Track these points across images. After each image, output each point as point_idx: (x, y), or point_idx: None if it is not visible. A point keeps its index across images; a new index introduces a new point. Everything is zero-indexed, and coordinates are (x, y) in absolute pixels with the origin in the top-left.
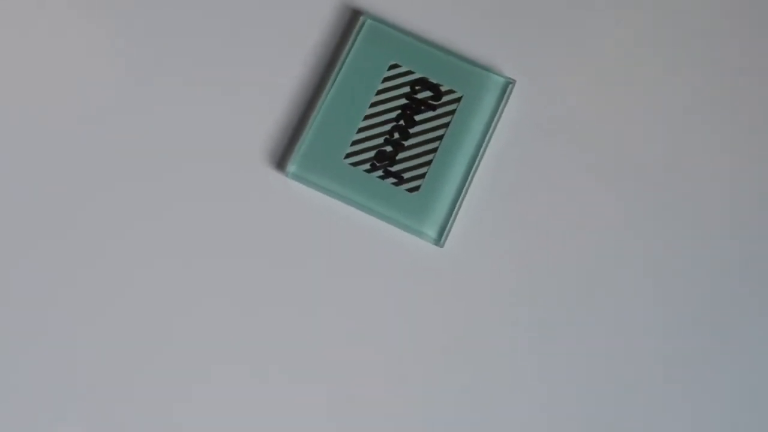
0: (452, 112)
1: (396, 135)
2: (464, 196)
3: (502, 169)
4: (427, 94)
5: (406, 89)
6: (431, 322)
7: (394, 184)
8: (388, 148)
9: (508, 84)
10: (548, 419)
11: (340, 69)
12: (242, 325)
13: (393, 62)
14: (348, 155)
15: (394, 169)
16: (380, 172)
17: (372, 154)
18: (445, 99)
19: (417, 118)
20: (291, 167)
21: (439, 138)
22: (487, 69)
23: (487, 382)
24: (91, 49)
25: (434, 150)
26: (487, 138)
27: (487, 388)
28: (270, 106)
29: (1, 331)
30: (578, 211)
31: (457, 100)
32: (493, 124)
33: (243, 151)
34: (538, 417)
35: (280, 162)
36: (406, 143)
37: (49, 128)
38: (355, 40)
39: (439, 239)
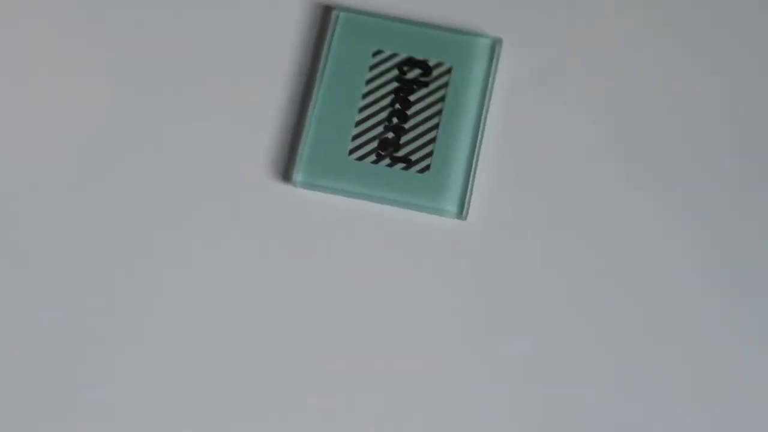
0: (445, 85)
1: (395, 120)
2: (476, 165)
3: (507, 130)
4: (417, 72)
5: (395, 72)
6: (472, 296)
7: (403, 168)
8: (390, 135)
9: (495, 44)
10: (596, 386)
11: (324, 67)
12: (295, 335)
13: (375, 49)
14: (351, 151)
15: (400, 154)
16: (387, 161)
17: (375, 144)
18: (435, 73)
19: (411, 98)
20: (297, 176)
21: (438, 113)
22: (471, 33)
23: (537, 354)
24: (71, 87)
25: (436, 126)
26: (485, 102)
27: (538, 360)
28: (261, 120)
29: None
30: (590, 159)
31: (448, 71)
32: (489, 87)
33: (245, 170)
34: (587, 383)
35: (285, 173)
36: (407, 125)
37: (34, 154)
38: (332, 35)
39: (461, 212)
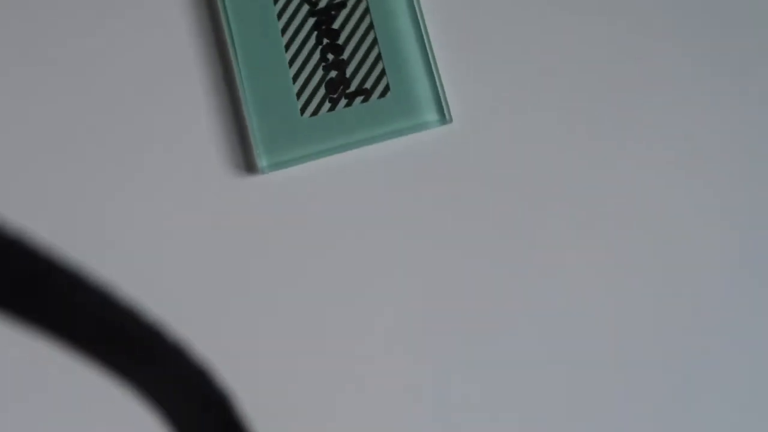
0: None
1: (330, 56)
2: (434, 62)
3: (452, 20)
4: None
5: (305, 7)
6: (492, 199)
7: (363, 101)
8: (333, 74)
9: None
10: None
11: (231, 39)
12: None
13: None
14: (302, 110)
15: (353, 88)
16: (344, 101)
17: (322, 91)
18: None
19: (335, 25)
20: (261, 162)
21: (370, 27)
22: None
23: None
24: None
25: (374, 42)
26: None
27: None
28: (194, 121)
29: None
30: (557, 34)
31: None
32: None
33: (206, 178)
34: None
35: (248, 164)
36: (345, 56)
37: None
38: (223, 1)
39: (444, 117)
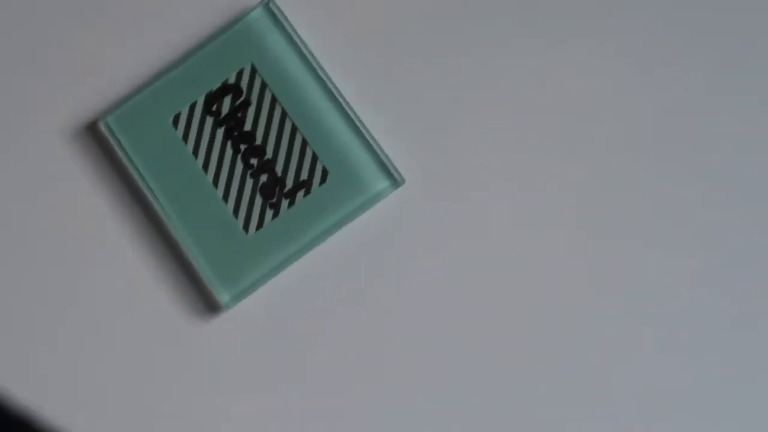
0: (264, 85)
1: (253, 161)
2: (368, 133)
3: (361, 76)
4: (228, 99)
5: (209, 120)
6: (466, 238)
7: (306, 195)
8: (264, 177)
9: (267, 4)
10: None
11: (144, 181)
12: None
13: (170, 118)
14: (246, 227)
15: (290, 185)
16: (285, 201)
17: (259, 199)
18: (244, 84)
19: (247, 127)
20: (223, 299)
21: (285, 116)
22: (234, 21)
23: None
24: None
25: (294, 130)
26: (317, 67)
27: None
28: (139, 282)
29: None
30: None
31: (253, 71)
32: (306, 50)
33: (170, 333)
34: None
35: (209, 306)
36: (269, 155)
37: None
38: (120, 145)
39: (395, 180)
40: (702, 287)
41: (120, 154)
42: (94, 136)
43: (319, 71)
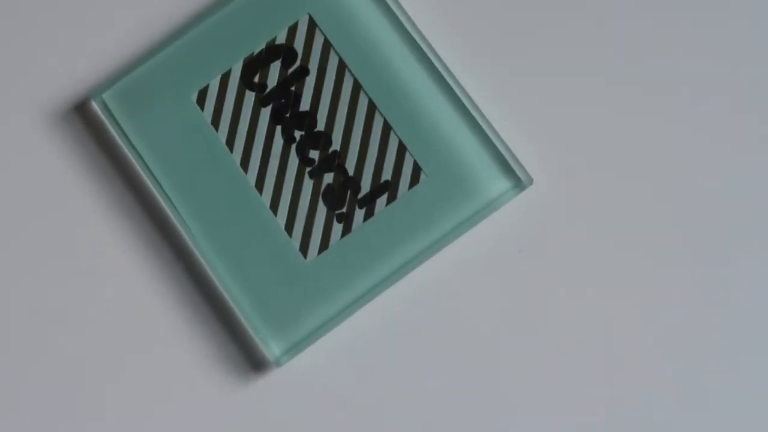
0: (328, 46)
1: (313, 153)
2: (481, 115)
3: (456, 38)
4: (274, 69)
5: (250, 96)
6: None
7: (390, 201)
8: (328, 177)
9: None
10: None
11: (150, 175)
12: None
13: (194, 93)
14: (303, 250)
15: (367, 188)
16: (360, 212)
17: (322, 209)
18: (298, 45)
19: (305, 106)
20: (273, 352)
21: (358, 89)
22: None
23: None
24: None
25: (372, 108)
26: (401, 17)
27: None
28: (173, 337)
29: None
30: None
31: (312, 26)
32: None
33: (205, 398)
34: None
35: (253, 360)
36: (337, 146)
37: None
38: (121, 130)
39: (519, 180)
40: None
41: (122, 144)
42: (85, 120)
43: (411, 30)
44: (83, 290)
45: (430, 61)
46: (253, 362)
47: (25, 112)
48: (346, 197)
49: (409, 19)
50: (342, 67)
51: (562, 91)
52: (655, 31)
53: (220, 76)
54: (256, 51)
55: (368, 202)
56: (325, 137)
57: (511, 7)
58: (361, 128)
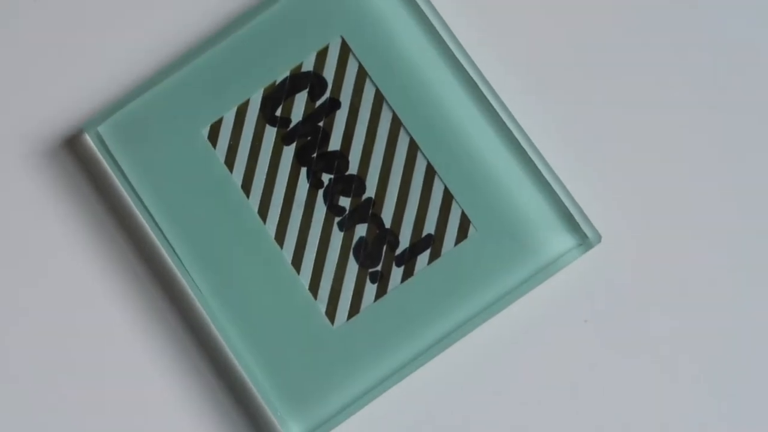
0: (364, 74)
1: (344, 202)
2: (545, 163)
3: (516, 80)
4: (299, 101)
5: (270, 132)
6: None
7: (432, 258)
8: (362, 229)
9: None
10: None
11: (152, 220)
12: None
13: (205, 128)
14: (330, 314)
15: (406, 244)
16: (398, 270)
17: (353, 266)
18: (325, 72)
19: (333, 145)
20: (293, 429)
21: (398, 125)
22: None
23: None
24: None
25: (414, 147)
26: (453, 48)
27: None
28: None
29: None
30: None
31: (344, 50)
32: (432, 17)
33: None
34: None
35: (283, 426)
36: (372, 192)
37: None
38: (118, 168)
39: (586, 237)
40: None
41: (120, 186)
42: (77, 156)
43: (462, 59)
44: (67, 358)
45: (483, 95)
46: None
47: (7, 146)
48: (382, 253)
49: (459, 46)
50: (379, 99)
51: (634, 136)
52: (734, 90)
53: (236, 108)
54: (279, 79)
55: (407, 260)
56: (358, 182)
57: (577, 48)
58: (401, 172)
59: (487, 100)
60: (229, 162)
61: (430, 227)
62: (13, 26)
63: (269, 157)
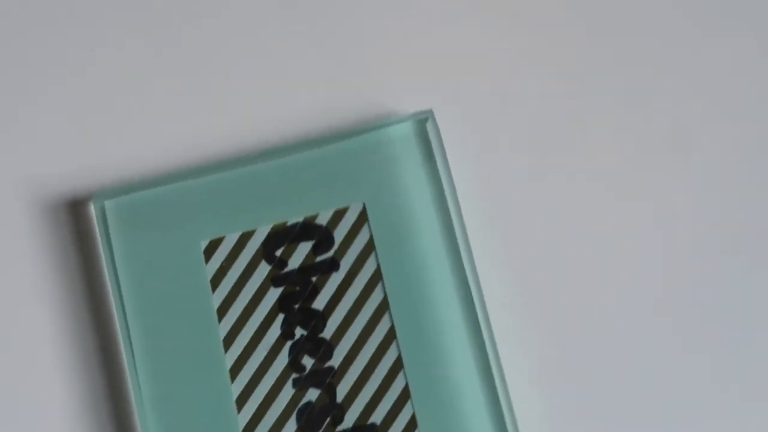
0: (370, 247)
1: (306, 362)
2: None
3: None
4: (302, 250)
5: (262, 270)
6: None
7: None
8: (313, 395)
9: (425, 120)
10: None
11: (122, 311)
12: None
13: (204, 242)
14: None
15: (348, 427)
16: None
17: (293, 425)
18: (335, 231)
19: (317, 304)
20: None
21: (386, 310)
22: (373, 127)
23: None
24: None
25: (391, 338)
26: (453, 214)
27: None
28: None
29: None
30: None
31: (362, 217)
32: (446, 190)
33: None
34: None
35: None
36: (336, 362)
37: None
38: (109, 247)
39: None
40: None
41: (104, 262)
42: (73, 222)
43: (470, 276)
44: None
45: (478, 321)
46: None
47: (16, 190)
48: (323, 424)
49: (471, 260)
50: (376, 278)
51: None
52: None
53: (241, 233)
54: (291, 221)
55: None
56: (327, 348)
57: None
58: (371, 354)
59: (480, 329)
60: (215, 281)
61: (377, 417)
62: (71, 81)
63: (254, 292)
